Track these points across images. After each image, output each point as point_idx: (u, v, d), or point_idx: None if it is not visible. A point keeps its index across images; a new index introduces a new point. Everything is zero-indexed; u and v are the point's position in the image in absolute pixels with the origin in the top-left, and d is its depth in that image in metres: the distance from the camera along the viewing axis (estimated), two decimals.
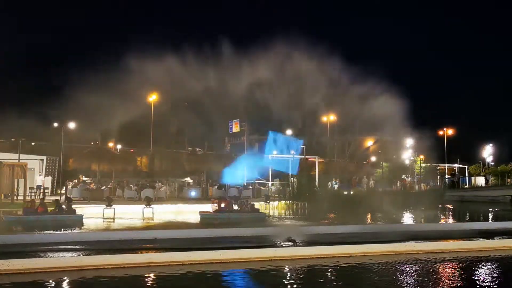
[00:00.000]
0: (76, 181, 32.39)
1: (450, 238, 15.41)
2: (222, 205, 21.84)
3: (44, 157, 32.99)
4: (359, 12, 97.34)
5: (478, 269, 11.37)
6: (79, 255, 12.01)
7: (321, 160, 40.69)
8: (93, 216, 22.47)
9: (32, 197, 27.20)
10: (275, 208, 27.45)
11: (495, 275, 10.73)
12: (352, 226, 17.43)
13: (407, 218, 24.06)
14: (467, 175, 49.79)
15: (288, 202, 28.37)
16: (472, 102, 78.71)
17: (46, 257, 11.60)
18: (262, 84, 22.33)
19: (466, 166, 52.30)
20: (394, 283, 9.70)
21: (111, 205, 22.72)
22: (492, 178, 45.45)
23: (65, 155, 34.43)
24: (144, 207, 23.15)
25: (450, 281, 9.98)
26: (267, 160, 35.57)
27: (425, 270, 10.94)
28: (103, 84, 21.71)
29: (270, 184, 35.32)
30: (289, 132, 47.95)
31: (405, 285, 9.65)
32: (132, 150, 46.46)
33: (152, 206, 23.29)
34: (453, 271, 11.11)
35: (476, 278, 10.37)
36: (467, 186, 45.83)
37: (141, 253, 11.80)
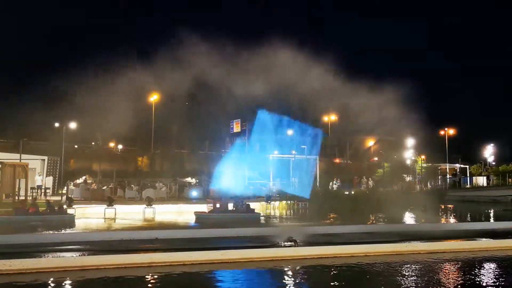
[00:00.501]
0: (83, 181, 32.33)
1: (451, 238, 15.39)
2: (217, 205, 21.83)
3: (46, 157, 33.01)
4: (359, 12, 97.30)
5: (480, 269, 11.36)
6: (80, 255, 12.02)
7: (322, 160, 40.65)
8: (94, 216, 22.51)
9: (34, 197, 27.26)
10: (276, 208, 27.45)
11: (497, 275, 10.71)
12: (353, 226, 17.43)
13: (408, 218, 24.04)
14: (468, 175, 49.79)
15: (289, 202, 28.35)
16: (473, 102, 78.60)
17: (48, 257, 11.61)
18: (262, 83, 22.30)
19: (467, 166, 52.31)
20: (395, 283, 9.68)
21: (112, 205, 22.74)
22: (494, 178, 45.45)
23: (66, 155, 34.48)
24: (145, 207, 23.18)
25: (452, 281, 9.96)
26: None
27: (427, 270, 10.93)
28: (103, 84, 21.68)
29: (271, 184, 35.30)
30: (289, 132, 47.92)
31: (407, 285, 9.63)
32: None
33: (153, 206, 23.31)
34: (454, 271, 11.09)
35: (477, 278, 10.35)
36: (468, 186, 45.82)
37: (143, 253, 11.78)
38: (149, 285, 9.58)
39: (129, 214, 23.19)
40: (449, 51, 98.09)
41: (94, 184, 30.44)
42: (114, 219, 21.78)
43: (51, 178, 32.09)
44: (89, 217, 22.39)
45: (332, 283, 9.79)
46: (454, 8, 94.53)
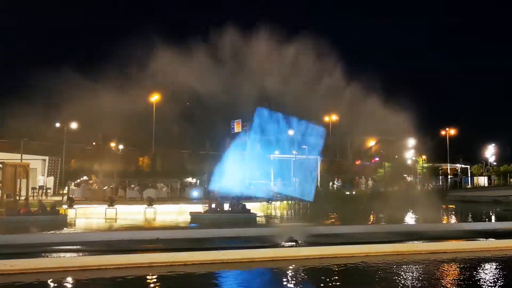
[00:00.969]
0: (91, 181, 32.30)
1: (452, 238, 15.40)
2: (213, 205, 21.81)
3: (47, 157, 33.05)
4: (359, 12, 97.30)
5: (480, 269, 11.36)
6: (81, 255, 12.04)
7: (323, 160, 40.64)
8: (95, 216, 22.54)
9: (35, 197, 27.30)
10: (277, 208, 27.46)
11: (497, 275, 10.71)
12: (354, 227, 17.45)
13: (409, 218, 24.03)
14: (469, 175, 49.74)
15: (290, 202, 28.36)
16: (473, 102, 78.59)
17: (49, 257, 11.63)
18: (262, 83, 22.30)
19: (468, 166, 52.25)
20: (396, 284, 9.69)
21: (113, 206, 22.77)
22: (495, 178, 45.41)
23: (67, 155, 34.52)
24: (146, 207, 23.20)
25: (452, 282, 9.97)
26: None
27: (427, 270, 10.93)
28: (104, 84, 21.69)
29: (272, 184, 35.31)
30: (290, 132, 47.91)
31: (407, 285, 9.64)
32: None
33: (154, 206, 23.33)
34: (455, 271, 11.10)
35: (478, 278, 10.35)
36: (469, 186, 45.79)
37: (143, 253, 11.80)
38: (150, 285, 9.60)
39: (130, 214, 23.22)
40: (449, 51, 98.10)
41: (95, 184, 30.46)
42: (115, 219, 21.80)
43: (52, 178, 32.13)
44: (90, 217, 22.43)
45: (332, 283, 9.80)
46: (454, 8, 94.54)
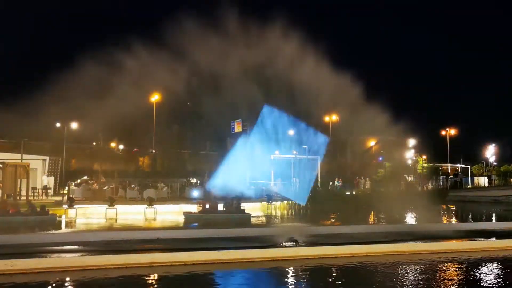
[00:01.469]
0: (98, 181, 32.24)
1: (452, 238, 15.40)
2: (207, 205, 21.77)
3: (47, 157, 33.05)
4: (359, 12, 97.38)
5: (481, 270, 11.35)
6: (81, 256, 12.04)
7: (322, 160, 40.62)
8: (96, 216, 22.54)
9: (35, 197, 27.32)
10: (277, 208, 27.46)
11: (498, 275, 10.70)
12: (354, 227, 17.44)
13: (410, 218, 24.03)
14: (469, 175, 49.72)
15: (290, 202, 28.35)
16: (474, 102, 78.61)
17: (49, 257, 11.63)
18: (263, 83, 22.30)
19: (468, 166, 52.23)
20: (396, 284, 9.68)
21: (114, 205, 22.77)
22: (495, 179, 45.36)
23: (67, 155, 34.51)
24: (146, 207, 23.20)
25: (453, 282, 9.96)
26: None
27: (428, 271, 10.92)
28: (104, 84, 21.65)
29: (272, 184, 35.31)
30: (291, 132, 47.90)
31: (408, 285, 9.63)
32: (135, 150, 46.35)
33: (154, 206, 23.33)
34: (456, 272, 11.09)
35: (479, 278, 10.35)
36: (469, 186, 45.77)
37: (144, 253, 11.80)
38: (150, 285, 9.60)
39: (130, 214, 23.23)
40: (450, 51, 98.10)
41: (95, 184, 30.47)
42: (116, 219, 21.81)
43: (52, 178, 32.14)
44: (90, 217, 22.44)
45: (333, 283, 9.80)
46: (454, 7, 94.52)
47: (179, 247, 12.38)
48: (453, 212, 30.17)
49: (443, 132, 55.74)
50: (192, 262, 10.61)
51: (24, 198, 25.46)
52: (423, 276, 10.48)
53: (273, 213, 25.99)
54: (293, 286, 9.57)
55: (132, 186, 30.12)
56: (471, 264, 11.65)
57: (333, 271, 10.67)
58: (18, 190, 25.38)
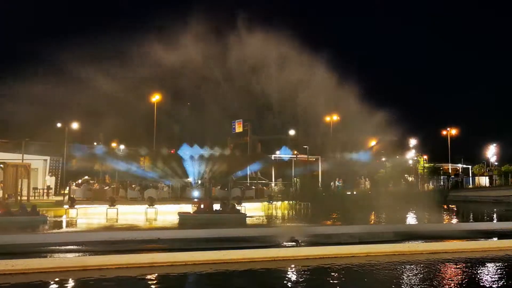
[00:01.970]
0: (107, 181, 32.27)
1: (453, 238, 15.38)
2: (201, 205, 21.76)
3: (48, 157, 33.08)
4: (359, 12, 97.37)
5: (482, 270, 11.35)
6: (82, 256, 12.05)
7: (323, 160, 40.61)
8: (96, 216, 22.56)
9: (36, 198, 27.35)
10: (278, 208, 27.44)
11: (498, 275, 10.70)
12: (355, 227, 17.40)
13: (410, 218, 24.01)
14: (470, 175, 49.66)
15: (291, 202, 28.33)
16: (475, 101, 78.56)
17: (50, 257, 11.64)
18: (263, 83, 22.29)
19: (469, 166, 52.14)
20: (397, 284, 9.69)
21: (114, 205, 22.79)
22: (496, 178, 45.29)
23: (68, 155, 34.50)
24: (147, 208, 23.21)
25: (454, 282, 9.96)
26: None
27: (429, 271, 10.92)
28: (105, 84, 21.67)
29: (273, 184, 35.32)
30: (292, 132, 47.97)
31: (409, 285, 9.63)
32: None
33: (155, 206, 23.34)
34: (456, 272, 11.08)
35: (479, 278, 10.35)
36: (470, 186, 45.71)
37: (144, 253, 11.81)
38: (151, 285, 9.61)
39: (131, 214, 23.24)
40: (451, 51, 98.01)
41: (96, 185, 30.51)
42: (116, 219, 21.82)
43: (53, 178, 32.17)
44: (91, 217, 22.45)
45: (334, 284, 9.80)
46: (455, 7, 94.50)
47: (180, 247, 12.39)
48: (454, 212, 30.14)
49: (444, 132, 55.68)
50: (193, 262, 10.62)
51: (25, 198, 25.50)
52: (424, 276, 10.47)
53: (274, 213, 25.97)
54: (294, 287, 9.57)
55: (133, 186, 30.14)
56: (472, 264, 11.65)
57: (334, 271, 10.67)
58: (19, 190, 25.40)
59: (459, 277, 10.48)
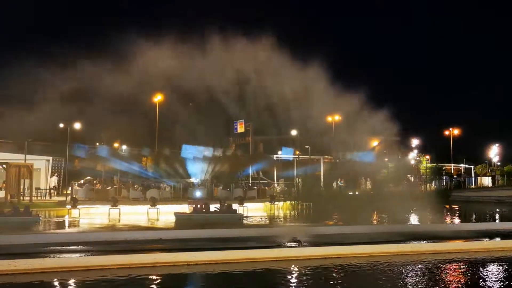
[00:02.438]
0: (115, 182, 32.24)
1: (455, 239, 15.34)
2: (198, 205, 21.72)
3: (50, 158, 33.13)
4: (359, 12, 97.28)
5: (483, 270, 11.30)
6: (85, 256, 12.05)
7: (327, 159, 40.57)
8: (99, 216, 22.57)
9: (39, 198, 27.39)
10: (280, 208, 27.41)
11: (500, 275, 10.66)
12: (357, 227, 17.38)
13: (413, 219, 23.96)
14: (473, 175, 49.54)
15: (293, 202, 28.29)
16: (478, 101, 78.40)
17: (52, 257, 11.64)
18: (263, 83, 22.26)
19: (472, 166, 52.02)
20: (399, 284, 9.66)
21: (117, 206, 22.79)
22: (499, 179, 45.16)
23: (70, 155, 34.58)
24: (149, 208, 23.21)
25: (455, 282, 9.93)
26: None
27: (431, 271, 10.89)
28: (105, 84, 21.67)
29: (275, 184, 35.29)
30: (293, 132, 47.91)
31: (411, 285, 9.60)
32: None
33: (157, 206, 23.34)
34: (459, 272, 11.05)
35: (482, 278, 10.30)
36: (473, 186, 45.59)
37: (147, 253, 11.81)
38: (153, 285, 9.60)
39: (133, 215, 23.24)
40: (452, 51, 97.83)
41: (98, 185, 30.52)
42: (119, 219, 21.83)
43: (55, 178, 32.23)
44: (94, 217, 22.46)
45: (336, 284, 9.77)
46: (455, 6, 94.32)
47: (182, 247, 12.39)
48: (457, 213, 30.07)
49: (447, 132, 55.58)
50: (195, 262, 10.61)
51: (28, 198, 25.56)
52: (427, 276, 10.44)
53: (276, 213, 25.93)
54: (295, 287, 9.55)
55: (135, 186, 30.16)
56: (475, 265, 11.62)
57: (337, 272, 10.65)
58: (21, 190, 25.45)
59: (462, 277, 10.45)
